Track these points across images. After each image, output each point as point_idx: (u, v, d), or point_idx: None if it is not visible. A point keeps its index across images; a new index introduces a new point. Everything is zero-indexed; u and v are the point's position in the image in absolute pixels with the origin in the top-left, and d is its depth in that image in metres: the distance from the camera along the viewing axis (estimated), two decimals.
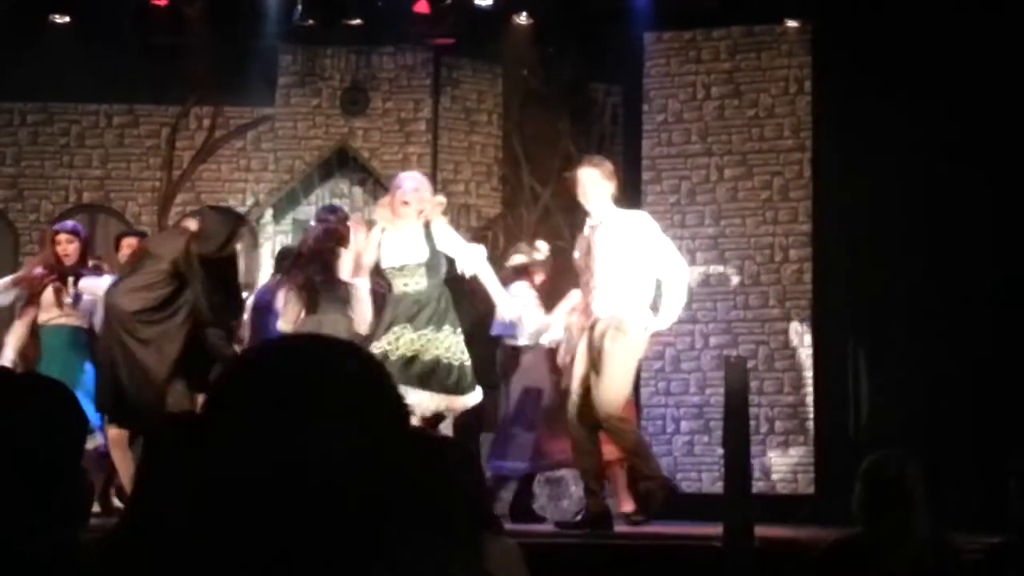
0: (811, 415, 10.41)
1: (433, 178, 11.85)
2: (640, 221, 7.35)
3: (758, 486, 9.93)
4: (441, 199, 7.59)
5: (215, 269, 7.40)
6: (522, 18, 11.63)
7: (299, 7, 11.28)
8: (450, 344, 7.03)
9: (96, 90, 11.94)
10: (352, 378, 1.34)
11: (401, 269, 7.16)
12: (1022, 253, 9.80)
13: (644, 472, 7.06)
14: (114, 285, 7.67)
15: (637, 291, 7.05)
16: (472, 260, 7.28)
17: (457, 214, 11.95)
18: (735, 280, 10.82)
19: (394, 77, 12.04)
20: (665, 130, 11.29)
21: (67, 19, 11.47)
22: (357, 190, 12.00)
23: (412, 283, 7.11)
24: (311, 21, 11.38)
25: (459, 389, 7.07)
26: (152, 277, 7.37)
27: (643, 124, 11.42)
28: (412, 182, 7.38)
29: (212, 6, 11.30)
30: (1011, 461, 4.54)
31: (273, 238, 11.81)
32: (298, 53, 12.01)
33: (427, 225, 7.24)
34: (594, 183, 7.17)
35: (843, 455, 10.06)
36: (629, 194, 11.49)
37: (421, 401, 6.89)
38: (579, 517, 7.49)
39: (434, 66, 12.06)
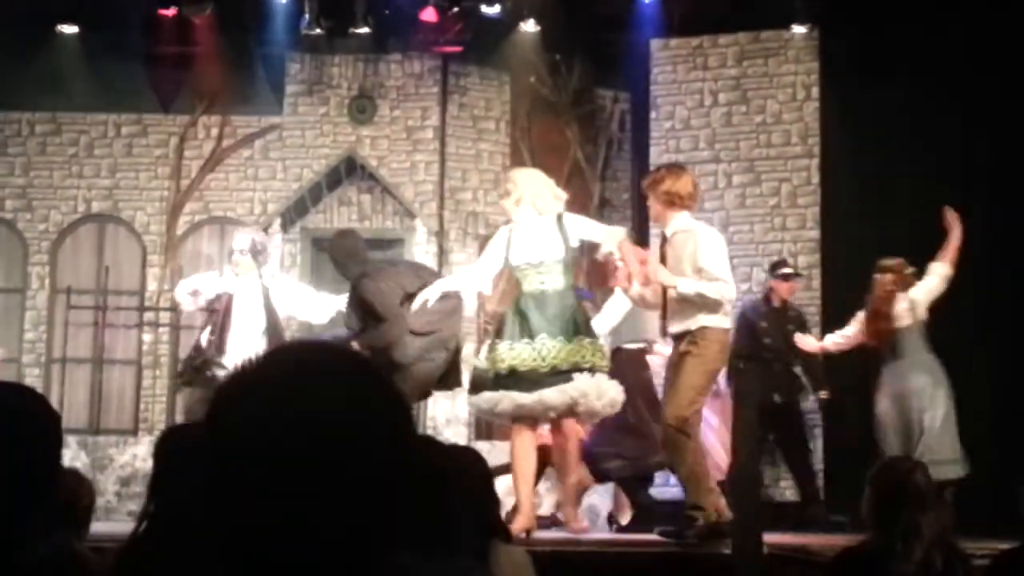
0: (820, 421, 10.38)
1: (441, 185, 11.87)
2: (708, 229, 6.93)
3: (767, 493, 9.92)
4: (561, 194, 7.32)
5: None
6: (529, 25, 11.64)
7: (306, 16, 11.30)
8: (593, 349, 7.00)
9: (104, 100, 11.96)
10: (354, 384, 1.34)
11: (537, 266, 7.02)
12: (1021, 266, 9.80)
13: (691, 502, 6.54)
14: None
15: (712, 300, 6.62)
16: (613, 237, 7.10)
17: (465, 221, 11.95)
18: (743, 287, 10.81)
19: (401, 85, 12.05)
20: (672, 137, 11.29)
21: (75, 29, 11.50)
22: (365, 198, 12.00)
23: (549, 280, 7.06)
24: (318, 30, 11.39)
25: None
26: None
27: (650, 131, 11.43)
28: (525, 177, 7.25)
29: (219, 15, 11.32)
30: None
31: (281, 247, 11.81)
32: (306, 62, 12.03)
33: (559, 219, 7.08)
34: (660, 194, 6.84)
35: (852, 461, 10.05)
36: (637, 202, 11.52)
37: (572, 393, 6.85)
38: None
39: (441, 74, 12.07)
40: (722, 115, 11.22)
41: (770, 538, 6.06)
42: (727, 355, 6.79)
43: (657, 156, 11.26)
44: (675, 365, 6.69)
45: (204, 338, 8.60)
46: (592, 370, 6.86)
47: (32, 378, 11.46)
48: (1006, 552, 4.06)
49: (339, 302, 8.67)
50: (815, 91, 11.01)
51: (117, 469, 11.12)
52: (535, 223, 7.02)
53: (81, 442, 11.01)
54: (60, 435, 2.16)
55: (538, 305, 6.90)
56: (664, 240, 6.85)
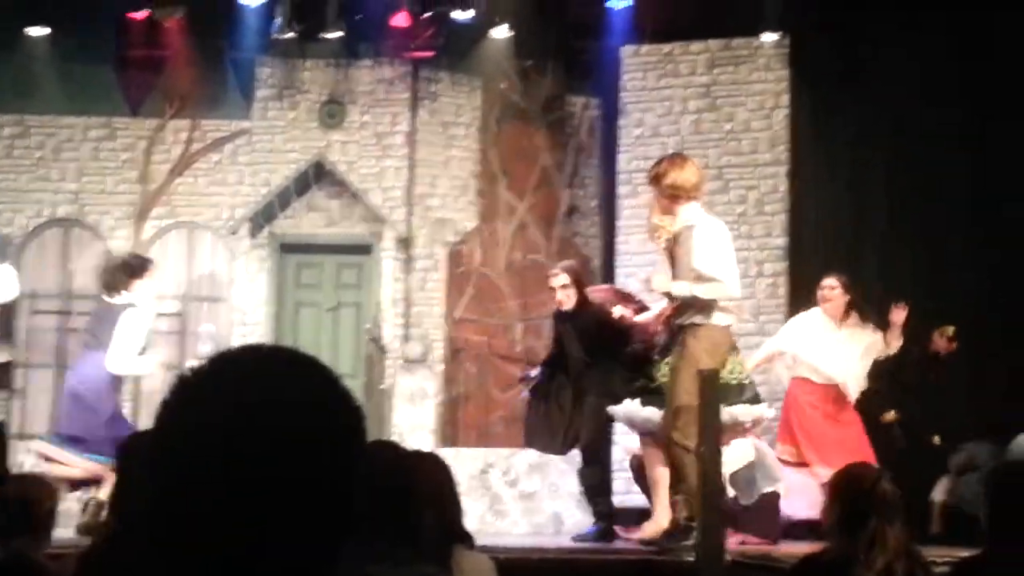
0: None
1: (409, 192, 11.85)
2: (708, 225, 6.76)
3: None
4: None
5: None
6: (501, 32, 11.64)
7: (278, 20, 11.27)
8: None
9: (73, 103, 11.88)
10: (306, 386, 1.33)
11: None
12: (999, 265, 9.86)
13: (690, 515, 6.43)
14: None
15: (707, 300, 6.56)
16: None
17: (433, 228, 11.94)
18: None
19: (372, 90, 12.03)
20: (641, 144, 11.31)
21: (44, 31, 11.44)
22: (334, 203, 11.97)
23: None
24: (290, 34, 11.37)
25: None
26: None
27: (620, 138, 11.44)
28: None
29: (190, 19, 11.28)
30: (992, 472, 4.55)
31: (249, 252, 11.77)
32: (276, 66, 11.99)
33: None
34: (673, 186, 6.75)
35: None
36: (605, 208, 11.55)
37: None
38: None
39: (412, 79, 12.06)
40: (691, 122, 11.25)
41: (733, 545, 6.07)
42: (720, 354, 6.66)
43: (626, 163, 11.28)
44: (671, 366, 6.66)
45: None
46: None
47: None
48: (966, 560, 4.08)
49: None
50: (785, 99, 11.05)
51: None
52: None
53: None
54: (5, 441, 2.16)
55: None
56: (673, 238, 6.72)
